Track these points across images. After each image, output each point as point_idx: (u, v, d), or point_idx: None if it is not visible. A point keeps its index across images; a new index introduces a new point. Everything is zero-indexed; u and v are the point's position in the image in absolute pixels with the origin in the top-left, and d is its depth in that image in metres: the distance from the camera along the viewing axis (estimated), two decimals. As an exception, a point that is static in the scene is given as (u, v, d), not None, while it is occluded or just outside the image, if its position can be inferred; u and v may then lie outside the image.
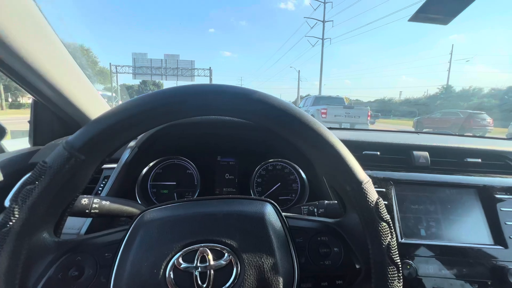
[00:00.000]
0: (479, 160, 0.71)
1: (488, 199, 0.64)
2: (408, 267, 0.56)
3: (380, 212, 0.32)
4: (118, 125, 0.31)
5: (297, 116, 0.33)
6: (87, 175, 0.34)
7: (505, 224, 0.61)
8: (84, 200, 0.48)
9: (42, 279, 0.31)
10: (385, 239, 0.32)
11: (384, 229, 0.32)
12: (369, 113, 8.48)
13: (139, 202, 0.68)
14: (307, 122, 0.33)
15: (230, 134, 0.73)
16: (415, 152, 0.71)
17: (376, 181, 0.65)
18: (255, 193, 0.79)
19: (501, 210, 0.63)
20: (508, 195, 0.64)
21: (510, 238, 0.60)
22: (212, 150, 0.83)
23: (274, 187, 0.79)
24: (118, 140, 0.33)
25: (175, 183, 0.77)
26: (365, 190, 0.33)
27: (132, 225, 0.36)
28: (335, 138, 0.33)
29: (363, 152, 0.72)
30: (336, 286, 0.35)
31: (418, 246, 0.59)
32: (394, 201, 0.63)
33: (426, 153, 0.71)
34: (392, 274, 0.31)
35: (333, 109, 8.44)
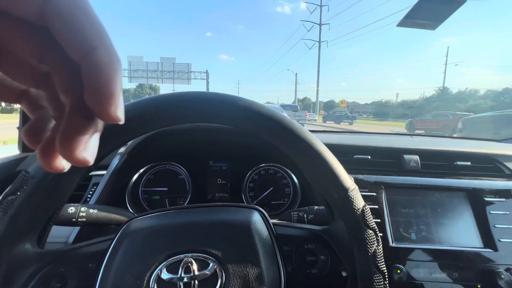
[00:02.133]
0: (469, 163, 0.72)
1: (477, 202, 0.65)
2: (399, 271, 0.56)
3: (366, 219, 0.32)
4: (103, 132, 0.31)
5: (281, 122, 0.33)
6: (72, 183, 0.33)
7: (494, 227, 0.61)
8: (71, 209, 0.48)
9: None
10: (371, 247, 0.32)
11: (370, 236, 0.32)
12: (306, 114, 17.67)
13: (130, 209, 0.68)
14: (292, 128, 0.33)
15: (222, 139, 0.73)
16: (405, 156, 0.72)
17: (367, 185, 0.65)
18: (248, 198, 0.79)
19: (490, 213, 0.63)
20: (497, 198, 0.65)
21: (499, 241, 0.60)
22: (204, 155, 0.82)
23: (267, 192, 0.79)
24: (105, 147, 0.33)
25: (166, 189, 0.77)
26: (351, 197, 0.32)
27: (117, 235, 0.35)
28: (321, 145, 0.33)
29: (354, 156, 0.72)
30: None
31: (408, 250, 0.59)
32: (385, 205, 0.63)
33: (416, 157, 0.71)
34: (378, 282, 0.31)
35: (287, 112, 13.57)
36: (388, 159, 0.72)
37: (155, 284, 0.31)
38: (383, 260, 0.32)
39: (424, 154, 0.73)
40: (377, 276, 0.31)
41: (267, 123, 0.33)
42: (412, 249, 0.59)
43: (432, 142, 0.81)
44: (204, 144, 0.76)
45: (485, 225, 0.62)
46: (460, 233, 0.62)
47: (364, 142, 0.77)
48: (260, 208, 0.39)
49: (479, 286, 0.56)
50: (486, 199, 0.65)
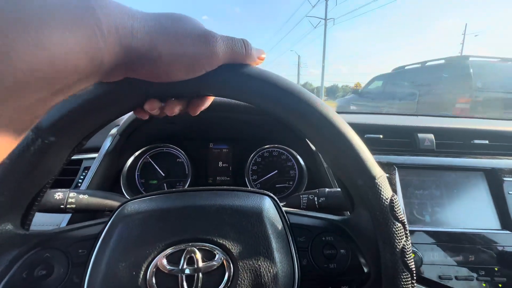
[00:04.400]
0: (487, 141, 0.67)
1: (495, 183, 0.61)
2: (413, 255, 0.53)
3: (395, 211, 0.28)
4: (90, 103, 0.26)
5: (302, 98, 0.27)
6: (59, 159, 0.29)
7: None
8: (58, 195, 0.43)
9: (2, 279, 0.27)
10: (399, 242, 0.28)
11: (398, 230, 0.28)
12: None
13: (126, 194, 0.63)
14: (315, 106, 0.28)
15: (222, 118, 0.67)
16: (420, 135, 0.67)
17: (379, 166, 0.61)
18: (250, 181, 0.75)
19: (509, 193, 0.59)
20: (516, 177, 0.61)
21: None
22: (204, 136, 0.77)
23: (270, 174, 0.75)
24: (92, 120, 0.28)
25: (164, 172, 0.72)
26: (378, 185, 0.28)
27: (111, 219, 0.31)
28: (346, 126, 0.29)
29: (365, 136, 0.67)
30: None
31: (423, 233, 0.56)
32: (398, 187, 0.60)
33: (431, 136, 0.67)
34: (405, 281, 0.27)
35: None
36: (401, 139, 0.68)
37: (153, 276, 0.27)
38: (412, 256, 0.28)
39: (439, 132, 0.68)
40: (404, 275, 0.27)
41: (280, 96, 0.27)
42: (427, 232, 0.56)
43: (448, 121, 0.76)
44: (203, 125, 0.70)
45: (503, 206, 0.59)
46: (477, 215, 0.59)
47: (376, 121, 0.72)
48: (272, 194, 0.35)
49: (496, 268, 0.54)
50: (504, 179, 0.61)
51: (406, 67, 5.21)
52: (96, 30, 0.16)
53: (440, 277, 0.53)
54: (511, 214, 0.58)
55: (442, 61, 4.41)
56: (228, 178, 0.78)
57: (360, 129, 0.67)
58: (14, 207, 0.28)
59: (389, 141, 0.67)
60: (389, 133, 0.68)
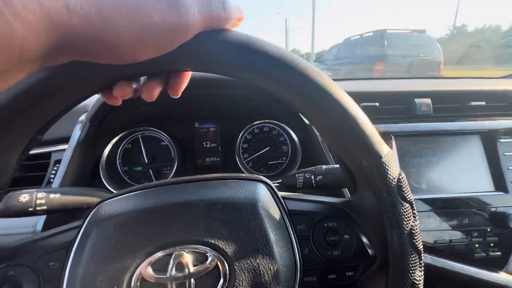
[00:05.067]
0: (483, 103, 0.65)
1: (491, 145, 0.60)
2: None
3: (403, 191, 0.25)
4: (26, 94, 0.21)
5: (295, 67, 0.23)
6: (7, 161, 0.24)
7: (508, 169, 0.58)
8: (24, 197, 0.38)
9: None
10: (407, 224, 0.25)
11: (406, 211, 0.25)
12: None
13: (108, 186, 0.58)
14: (311, 75, 0.23)
15: (206, 95, 0.61)
16: (416, 100, 0.63)
17: None
18: (242, 160, 0.71)
19: (504, 155, 0.59)
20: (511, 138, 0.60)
21: (511, 183, 0.57)
22: (188, 115, 0.71)
23: (262, 151, 0.71)
24: (37, 112, 0.23)
25: (148, 158, 0.67)
26: (385, 164, 0.25)
27: (85, 223, 0.27)
28: (348, 99, 0.24)
29: (361, 104, 0.63)
30: (346, 278, 0.30)
31: (420, 201, 0.56)
32: (395, 156, 0.58)
33: (428, 100, 0.64)
34: (413, 263, 0.26)
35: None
36: (398, 105, 0.64)
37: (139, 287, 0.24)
38: (420, 237, 0.26)
39: (435, 96, 0.65)
40: (413, 257, 0.26)
41: (268, 65, 0.22)
42: (423, 200, 0.56)
43: (445, 83, 0.72)
44: (186, 103, 0.64)
45: (498, 167, 0.59)
46: (472, 178, 0.59)
47: (371, 88, 0.67)
48: (266, 179, 0.31)
49: (488, 229, 0.55)
50: (500, 140, 0.60)
51: (352, 38, 6.99)
52: (4, 11, 0.12)
53: (435, 241, 0.54)
54: (505, 175, 0.58)
55: (371, 33, 6.10)
56: (218, 159, 0.74)
57: (356, 97, 0.63)
58: None
59: (385, 108, 0.64)
60: (385, 100, 0.64)
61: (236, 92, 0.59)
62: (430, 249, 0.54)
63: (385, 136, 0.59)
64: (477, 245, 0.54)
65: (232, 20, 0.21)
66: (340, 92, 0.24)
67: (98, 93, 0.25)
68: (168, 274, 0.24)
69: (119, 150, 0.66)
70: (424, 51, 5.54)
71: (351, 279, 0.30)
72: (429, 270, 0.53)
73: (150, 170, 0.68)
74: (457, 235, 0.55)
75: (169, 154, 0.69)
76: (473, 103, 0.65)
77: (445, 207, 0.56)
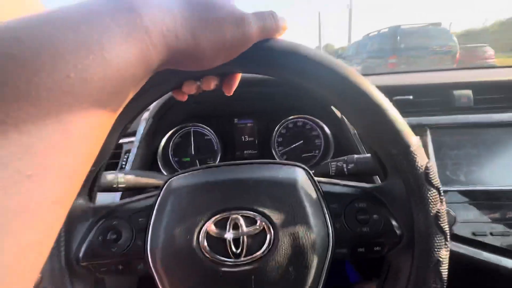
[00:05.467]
0: None
1: None
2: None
3: (430, 178, 0.28)
4: None
5: (330, 67, 0.27)
6: (111, 142, 0.32)
7: None
8: (110, 176, 0.49)
9: (84, 243, 0.32)
10: (433, 207, 0.28)
11: (433, 195, 0.28)
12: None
13: (164, 172, 0.69)
14: (344, 73, 0.27)
15: (245, 93, 0.68)
16: (455, 92, 0.62)
17: (410, 129, 0.59)
18: (277, 152, 0.77)
19: None
20: None
21: None
22: (228, 112, 0.79)
23: (296, 145, 0.76)
24: (134, 105, 0.31)
25: (195, 150, 0.77)
26: (413, 153, 0.28)
27: (161, 192, 0.35)
28: (379, 93, 0.28)
29: (394, 98, 0.64)
30: (374, 253, 0.33)
31: (457, 192, 0.55)
32: (431, 149, 0.58)
33: (469, 92, 0.62)
34: (439, 243, 0.28)
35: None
36: (435, 98, 0.64)
37: (205, 240, 0.31)
38: (446, 220, 0.29)
39: (478, 87, 0.63)
40: (438, 237, 0.28)
41: (310, 68, 0.27)
42: (461, 191, 0.55)
43: (487, 73, 0.69)
44: (226, 101, 0.72)
45: None
46: (518, 172, 0.56)
47: (404, 81, 0.68)
48: (303, 166, 0.36)
49: None
50: None
51: (370, 34, 7.96)
52: (146, 38, 0.17)
53: (474, 233, 0.53)
54: None
55: (387, 29, 6.94)
56: (255, 151, 0.80)
57: (388, 91, 0.64)
58: (83, 185, 0.33)
59: (420, 101, 0.64)
60: (420, 93, 0.64)
61: (271, 89, 0.65)
62: (469, 240, 0.54)
63: (420, 128, 0.60)
64: (521, 239, 0.53)
65: (280, 31, 0.27)
66: (373, 89, 0.28)
67: (171, 91, 0.33)
68: (226, 231, 0.31)
69: (171, 143, 0.76)
70: (438, 43, 6.19)
71: (378, 253, 0.33)
72: (468, 263, 0.53)
73: (197, 161, 0.77)
74: (499, 227, 0.53)
75: (213, 147, 0.78)
76: None
77: (485, 199, 0.55)
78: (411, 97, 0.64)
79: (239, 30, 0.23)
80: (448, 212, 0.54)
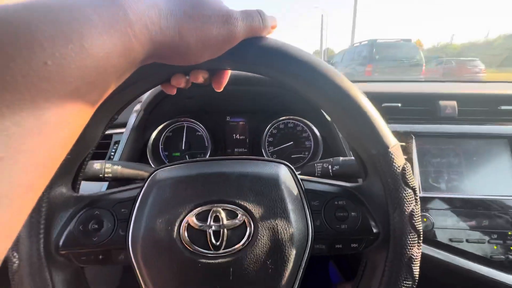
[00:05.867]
0: None
1: None
2: (425, 220, 0.56)
3: (407, 178, 0.29)
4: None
5: (318, 70, 0.28)
6: (97, 131, 0.33)
7: None
8: (96, 165, 0.49)
9: (65, 231, 0.32)
10: (408, 206, 0.29)
11: (408, 195, 0.29)
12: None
13: (152, 165, 0.69)
14: (328, 75, 0.28)
15: (238, 91, 0.69)
16: (441, 102, 0.65)
17: (396, 135, 0.61)
18: (267, 152, 0.78)
19: None
20: (544, 144, 0.59)
21: None
22: (221, 110, 0.79)
23: (285, 145, 0.77)
24: (123, 96, 0.31)
25: (186, 145, 0.77)
26: (391, 154, 0.29)
27: (146, 184, 0.36)
28: (361, 95, 0.29)
29: (383, 105, 0.66)
30: (351, 249, 0.34)
31: (437, 199, 0.57)
32: (415, 155, 0.60)
33: (453, 103, 0.64)
34: (412, 240, 0.30)
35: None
36: (421, 107, 0.66)
37: (186, 231, 0.31)
38: (420, 220, 0.30)
39: (463, 99, 0.65)
40: (411, 235, 0.30)
41: (296, 68, 0.28)
42: (441, 198, 0.57)
43: (472, 87, 0.72)
44: (220, 98, 0.72)
45: None
46: (495, 182, 0.59)
47: (394, 89, 0.70)
48: (287, 163, 0.37)
49: (510, 232, 0.55)
50: None
51: (354, 45, 9.58)
52: (129, 31, 0.18)
53: (450, 239, 0.55)
54: None
55: (366, 42, 8.24)
56: (246, 150, 0.81)
57: (378, 97, 0.66)
58: (65, 174, 0.33)
59: (408, 109, 0.66)
60: (408, 101, 0.66)
61: (264, 89, 0.66)
62: (445, 246, 0.56)
63: (406, 135, 0.62)
64: (495, 247, 0.55)
65: (268, 29, 0.28)
66: (356, 92, 0.29)
67: (160, 84, 0.34)
68: (207, 223, 0.31)
69: (162, 136, 0.76)
70: (407, 56, 7.59)
71: (355, 250, 0.35)
72: (444, 268, 0.55)
73: (187, 156, 0.78)
74: (475, 235, 0.55)
75: (203, 143, 0.78)
76: (503, 107, 0.64)
77: (463, 207, 0.57)
78: (399, 104, 0.66)
79: (225, 27, 0.23)
80: (427, 218, 0.56)
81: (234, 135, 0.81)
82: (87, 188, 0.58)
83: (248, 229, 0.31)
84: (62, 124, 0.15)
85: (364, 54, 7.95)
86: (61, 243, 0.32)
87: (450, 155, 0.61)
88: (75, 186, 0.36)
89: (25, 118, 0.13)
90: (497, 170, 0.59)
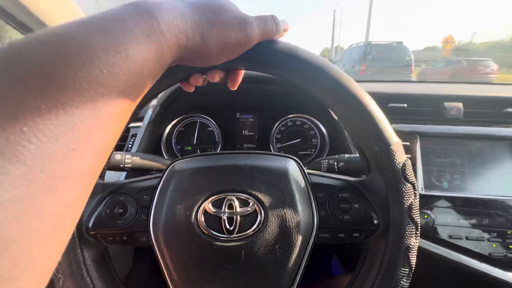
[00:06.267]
0: None
1: None
2: (426, 216, 0.58)
3: (406, 173, 0.32)
4: None
5: (324, 69, 0.31)
6: (125, 122, 0.36)
7: None
8: (118, 156, 0.53)
9: (93, 215, 0.36)
10: (407, 200, 0.32)
11: (407, 190, 0.32)
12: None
13: (166, 157, 0.73)
14: (336, 76, 0.31)
15: (248, 89, 0.72)
16: (447, 104, 0.66)
17: (401, 135, 0.63)
18: (275, 148, 0.81)
19: None
20: (548, 147, 0.60)
21: None
22: (231, 107, 0.83)
23: (292, 142, 0.80)
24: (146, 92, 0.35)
25: (197, 140, 0.80)
26: (393, 151, 0.32)
27: (165, 174, 0.39)
28: (367, 96, 0.32)
29: (389, 105, 0.68)
30: (353, 238, 0.37)
31: (438, 197, 0.59)
32: (418, 155, 0.62)
33: (459, 104, 0.66)
34: (410, 231, 0.32)
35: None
36: (427, 107, 0.68)
37: (202, 216, 0.35)
38: (418, 212, 0.33)
39: (469, 101, 0.66)
40: (409, 226, 0.32)
41: (305, 68, 0.31)
42: (442, 197, 0.59)
43: (479, 89, 0.73)
44: (230, 96, 0.75)
45: None
46: (497, 183, 0.60)
47: (400, 89, 0.71)
48: (296, 158, 0.40)
49: (509, 232, 0.57)
50: None
51: (352, 45, 10.55)
52: (162, 40, 0.20)
53: (450, 236, 0.57)
54: None
55: (362, 43, 9.68)
56: (254, 146, 0.84)
57: (384, 98, 0.68)
58: None
59: (414, 110, 0.67)
60: (414, 102, 0.68)
61: (273, 88, 0.69)
62: (445, 242, 0.58)
63: (411, 135, 0.64)
64: (494, 245, 0.57)
65: (280, 33, 0.30)
66: (362, 92, 0.31)
67: (180, 82, 0.36)
68: (222, 210, 0.35)
69: (175, 131, 0.80)
70: (397, 57, 8.43)
71: (357, 239, 0.37)
72: (443, 263, 0.57)
73: (198, 150, 0.81)
74: (475, 232, 0.57)
75: (214, 138, 0.81)
76: (509, 109, 0.65)
77: (464, 206, 0.58)
78: (405, 105, 0.67)
79: (242, 32, 0.26)
80: (428, 215, 0.58)
81: (243, 131, 0.84)
82: (107, 177, 0.63)
83: (259, 216, 0.35)
84: (113, 120, 0.19)
85: (359, 55, 9.07)
86: (90, 224, 0.36)
87: (453, 156, 0.63)
88: (102, 175, 0.39)
89: (88, 116, 0.16)
90: (499, 171, 0.61)
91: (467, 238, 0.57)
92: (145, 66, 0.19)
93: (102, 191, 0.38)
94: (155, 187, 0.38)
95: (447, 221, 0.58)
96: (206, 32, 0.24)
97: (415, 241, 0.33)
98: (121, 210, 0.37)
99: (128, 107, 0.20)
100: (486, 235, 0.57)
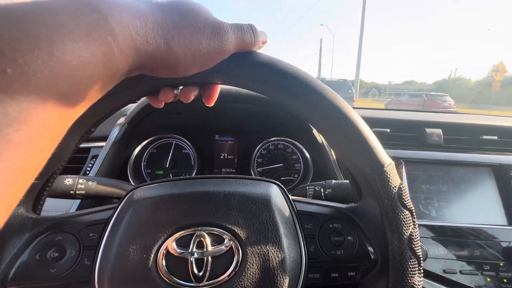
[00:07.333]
0: (496, 137, 0.67)
1: (503, 178, 0.60)
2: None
3: (403, 199, 0.28)
4: None
5: (311, 86, 0.27)
6: (68, 146, 0.29)
7: None
8: (68, 181, 0.44)
9: (16, 261, 0.27)
10: (407, 229, 0.28)
11: (406, 218, 0.28)
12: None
13: (132, 183, 0.64)
14: (322, 92, 0.27)
15: (228, 109, 0.67)
16: (427, 130, 0.66)
17: None
18: (256, 173, 0.75)
19: None
20: (525, 174, 0.61)
21: None
22: (209, 128, 0.77)
23: (275, 166, 0.75)
24: (101, 107, 0.28)
25: (170, 163, 0.73)
26: (387, 173, 0.28)
27: (121, 204, 0.32)
28: (356, 115, 0.28)
29: (372, 129, 0.66)
30: (348, 278, 0.31)
31: (428, 227, 0.56)
32: (405, 181, 0.60)
33: (439, 131, 0.66)
34: (412, 267, 0.27)
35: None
36: (409, 133, 0.67)
37: (164, 259, 0.27)
38: (419, 244, 0.28)
39: (447, 127, 0.67)
40: (412, 261, 0.27)
41: (288, 84, 0.27)
42: (432, 226, 0.56)
43: (456, 117, 0.75)
44: (209, 116, 0.70)
45: (510, 202, 0.58)
46: (483, 210, 0.59)
47: (383, 115, 0.71)
48: (278, 183, 0.35)
49: (501, 264, 0.54)
50: None
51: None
52: (110, 40, 0.16)
53: (444, 271, 0.53)
54: None
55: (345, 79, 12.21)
56: (234, 170, 0.78)
57: (368, 122, 0.66)
58: (26, 192, 0.29)
59: (396, 135, 0.67)
60: (397, 127, 0.67)
61: (254, 108, 0.65)
62: (440, 278, 0.53)
63: (395, 161, 0.62)
64: (489, 279, 0.53)
65: (259, 44, 0.27)
66: (350, 110, 0.28)
67: (144, 97, 0.31)
68: (189, 250, 0.28)
69: (145, 153, 0.72)
70: (343, 91, 10.39)
71: (353, 279, 0.32)
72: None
73: (170, 175, 0.73)
74: (468, 266, 0.54)
75: (189, 161, 0.74)
76: (485, 137, 0.67)
77: (455, 236, 0.55)
78: (388, 130, 0.67)
79: (215, 39, 0.22)
80: (421, 247, 0.54)
81: (222, 154, 0.78)
82: (55, 206, 0.52)
83: (235, 256, 0.28)
84: (27, 139, 0.13)
85: (344, 87, 11.00)
86: (10, 276, 0.27)
87: (439, 182, 0.61)
88: (36, 207, 0.31)
89: None
90: (484, 199, 0.60)
91: (461, 272, 0.53)
92: (84, 71, 0.15)
93: (32, 228, 0.29)
94: (107, 221, 0.31)
95: (440, 253, 0.54)
96: (171, 37, 0.20)
97: (419, 279, 0.28)
98: (56, 254, 0.29)
99: (54, 122, 0.15)
100: (480, 269, 0.53)
